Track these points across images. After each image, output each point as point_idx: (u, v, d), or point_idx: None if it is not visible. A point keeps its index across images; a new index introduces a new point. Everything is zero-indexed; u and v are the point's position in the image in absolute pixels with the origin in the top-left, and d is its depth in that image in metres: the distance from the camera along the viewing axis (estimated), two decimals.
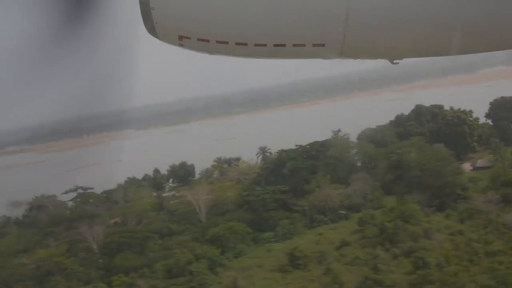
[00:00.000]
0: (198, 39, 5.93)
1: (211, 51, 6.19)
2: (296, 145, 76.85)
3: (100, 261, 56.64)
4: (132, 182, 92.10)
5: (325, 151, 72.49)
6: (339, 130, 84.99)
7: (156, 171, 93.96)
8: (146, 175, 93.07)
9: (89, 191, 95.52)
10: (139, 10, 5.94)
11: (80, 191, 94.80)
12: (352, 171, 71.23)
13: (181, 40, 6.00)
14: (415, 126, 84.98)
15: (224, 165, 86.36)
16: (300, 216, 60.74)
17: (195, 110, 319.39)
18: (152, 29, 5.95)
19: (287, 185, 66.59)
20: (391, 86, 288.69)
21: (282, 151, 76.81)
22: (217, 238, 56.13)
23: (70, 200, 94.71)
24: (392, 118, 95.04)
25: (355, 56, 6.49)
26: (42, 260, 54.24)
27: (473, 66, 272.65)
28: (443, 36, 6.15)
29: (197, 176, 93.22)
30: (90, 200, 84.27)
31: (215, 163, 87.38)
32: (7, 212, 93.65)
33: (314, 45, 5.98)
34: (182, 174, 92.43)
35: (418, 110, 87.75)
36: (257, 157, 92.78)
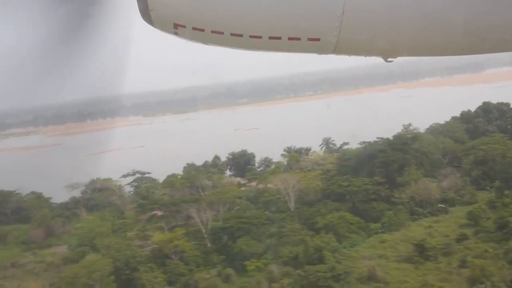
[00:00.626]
0: (193, 28, 5.94)
1: (206, 41, 6.18)
2: (378, 138, 77.11)
3: (208, 245, 56.27)
4: (191, 168, 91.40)
5: (411, 144, 72.95)
6: (409, 124, 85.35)
7: (216, 157, 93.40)
8: (206, 161, 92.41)
9: (146, 175, 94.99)
10: None
11: (138, 175, 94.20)
12: (435, 165, 71.83)
13: (176, 29, 6.00)
14: (483, 123, 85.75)
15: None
16: (404, 208, 61.00)
17: (200, 99, 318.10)
18: (147, 16, 5.96)
19: (376, 177, 66.70)
20: (397, 82, 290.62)
21: (364, 142, 77.16)
22: (331, 227, 56.13)
23: (128, 184, 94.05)
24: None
25: (349, 52, 6.54)
26: (160, 243, 53.73)
27: (477, 66, 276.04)
28: (441, 36, 6.16)
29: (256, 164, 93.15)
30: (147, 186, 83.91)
31: (285, 152, 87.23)
32: (67, 194, 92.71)
33: (309, 39, 6.01)
34: (242, 162, 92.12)
35: (485, 107, 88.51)
36: (321, 148, 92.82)
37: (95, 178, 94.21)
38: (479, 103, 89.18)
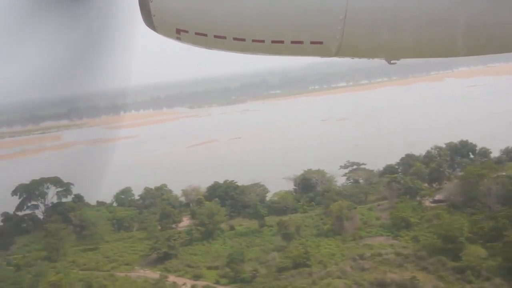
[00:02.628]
0: (196, 33, 6.11)
1: (209, 46, 6.37)
2: None
3: None
4: (412, 158, 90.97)
5: None
6: None
7: (437, 148, 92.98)
8: (427, 151, 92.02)
9: (362, 166, 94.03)
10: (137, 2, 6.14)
11: (354, 166, 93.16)
12: None
13: (179, 34, 6.16)
14: None
15: None
16: None
17: (233, 90, 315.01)
18: (149, 22, 6.13)
19: None
20: (431, 73, 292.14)
21: None
22: None
23: (344, 175, 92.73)
24: None
25: (352, 55, 6.72)
26: None
27: (503, 57, 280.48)
28: (443, 37, 6.29)
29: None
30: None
31: None
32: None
33: (312, 42, 6.19)
34: (465, 152, 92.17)
35: None
36: None
37: (306, 169, 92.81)
38: None
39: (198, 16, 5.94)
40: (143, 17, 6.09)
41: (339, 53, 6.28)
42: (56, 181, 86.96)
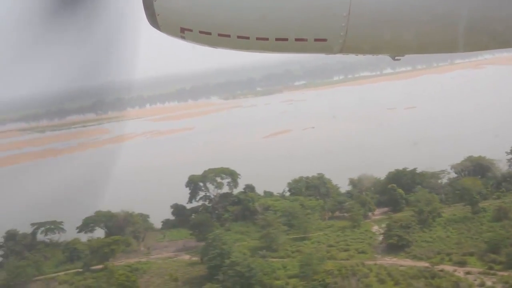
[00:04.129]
0: (200, 32, 6.13)
1: (213, 44, 6.37)
2: None
3: None
4: None
5: None
6: None
7: None
8: None
9: None
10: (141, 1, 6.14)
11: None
12: None
13: (183, 33, 6.18)
14: None
15: None
16: None
17: (257, 81, 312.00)
18: (153, 21, 6.15)
19: None
20: (465, 60, 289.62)
21: None
22: None
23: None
24: None
25: (356, 52, 6.77)
26: None
27: None
28: (447, 33, 6.30)
29: None
30: None
31: None
32: None
33: (316, 39, 6.18)
34: None
35: None
36: None
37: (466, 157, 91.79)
38: None
39: (202, 15, 5.90)
40: (147, 16, 6.05)
41: (343, 50, 6.24)
42: (227, 172, 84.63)
